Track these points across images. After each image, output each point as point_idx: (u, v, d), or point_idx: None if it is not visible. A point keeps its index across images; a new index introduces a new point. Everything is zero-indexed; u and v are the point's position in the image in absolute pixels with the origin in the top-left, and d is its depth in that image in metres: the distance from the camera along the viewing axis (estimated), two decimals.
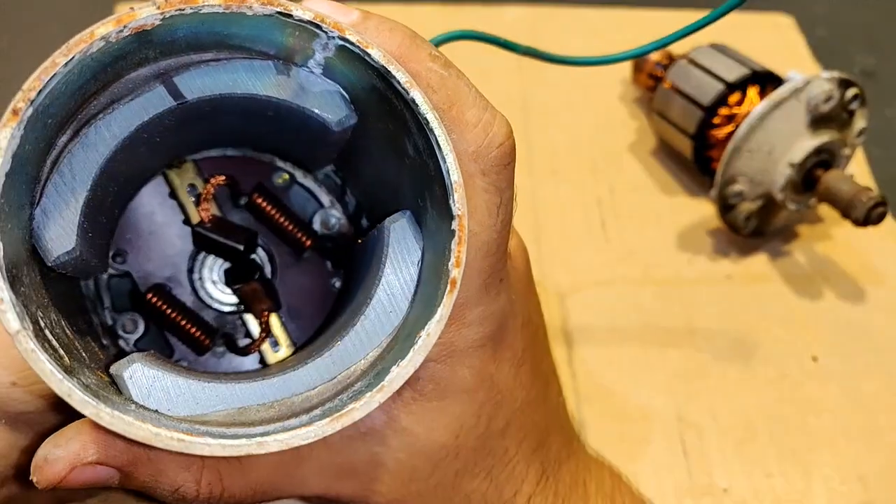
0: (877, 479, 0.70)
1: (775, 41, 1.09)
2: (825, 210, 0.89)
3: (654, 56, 0.95)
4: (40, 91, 0.32)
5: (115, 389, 0.37)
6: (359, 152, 0.43)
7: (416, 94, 0.35)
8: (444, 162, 0.36)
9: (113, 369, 0.37)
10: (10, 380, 0.43)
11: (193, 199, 0.48)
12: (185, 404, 0.37)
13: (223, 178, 0.48)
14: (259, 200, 0.49)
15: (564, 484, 0.48)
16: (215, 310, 0.49)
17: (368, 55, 0.35)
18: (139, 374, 0.37)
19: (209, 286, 0.49)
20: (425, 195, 0.39)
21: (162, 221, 0.48)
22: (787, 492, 0.70)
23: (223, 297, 0.50)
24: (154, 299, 0.47)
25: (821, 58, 1.07)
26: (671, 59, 0.94)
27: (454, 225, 0.36)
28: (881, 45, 1.14)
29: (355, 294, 0.43)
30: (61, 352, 0.34)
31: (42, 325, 0.34)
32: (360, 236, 0.49)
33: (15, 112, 0.31)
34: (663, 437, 0.72)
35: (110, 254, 0.48)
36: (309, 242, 0.49)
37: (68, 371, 0.33)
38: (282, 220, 0.49)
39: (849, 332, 0.81)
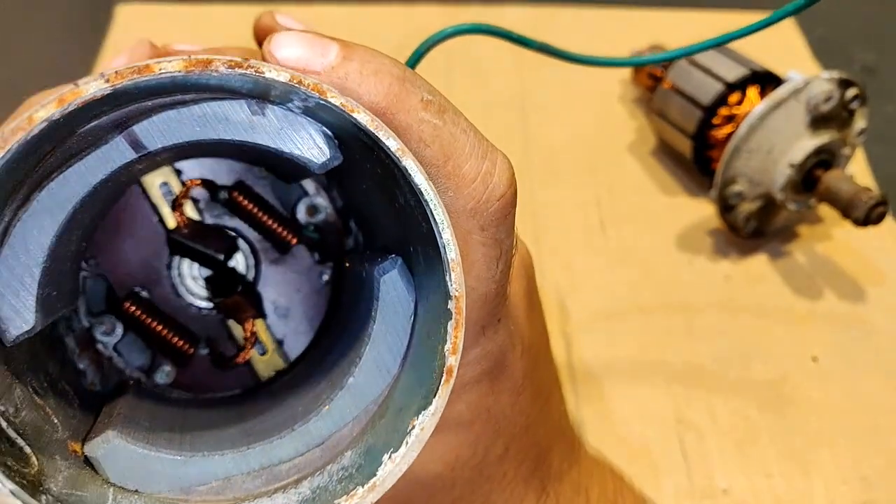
0: (877, 479, 0.70)
1: (775, 41, 1.09)
2: (825, 210, 0.89)
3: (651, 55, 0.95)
4: None
5: (91, 470, 0.35)
6: (345, 176, 0.41)
7: (409, 163, 0.32)
8: (441, 237, 0.33)
9: (87, 450, 0.35)
10: None
11: (168, 198, 0.45)
12: (167, 481, 0.35)
13: (199, 181, 0.45)
14: (240, 199, 0.46)
15: (566, 497, 0.47)
16: (197, 308, 0.47)
17: (354, 119, 0.32)
18: (115, 455, 0.35)
19: (190, 283, 0.47)
20: (416, 248, 0.36)
21: (134, 219, 0.45)
22: (788, 492, 0.70)
23: (205, 293, 0.47)
24: (132, 308, 0.45)
25: (821, 56, 1.07)
26: (672, 60, 0.94)
27: (451, 305, 0.33)
28: (882, 41, 1.14)
29: (344, 346, 0.41)
30: (27, 450, 0.32)
31: (4, 425, 0.32)
32: (348, 234, 0.47)
33: None
34: (662, 439, 0.72)
35: (80, 268, 0.45)
36: (294, 241, 0.46)
37: (35, 485, 0.31)
38: (264, 218, 0.46)
39: (849, 332, 0.81)
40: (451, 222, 0.33)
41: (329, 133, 0.35)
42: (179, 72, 0.30)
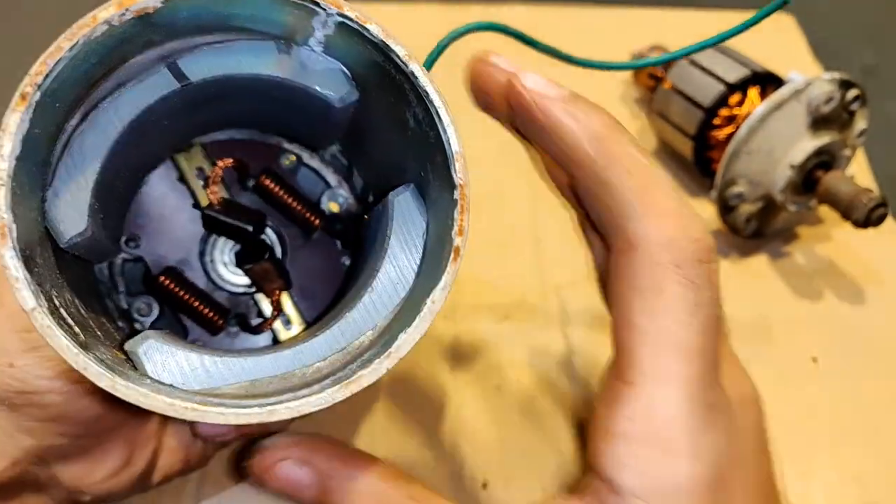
0: (877, 480, 0.70)
1: (776, 41, 1.09)
2: (825, 211, 0.89)
3: (654, 55, 0.95)
4: (47, 75, 0.32)
5: (130, 365, 0.37)
6: (363, 130, 0.44)
7: (415, 67, 0.36)
8: (445, 133, 0.36)
9: (128, 346, 0.38)
10: (8, 361, 0.43)
11: (202, 182, 0.49)
12: (199, 378, 0.38)
13: (231, 160, 0.49)
14: (267, 182, 0.49)
15: None
16: (227, 291, 0.50)
17: (367, 30, 0.36)
18: (153, 350, 0.38)
19: (220, 268, 0.50)
20: (427, 166, 0.39)
21: (172, 206, 0.49)
22: (787, 493, 0.70)
23: (235, 278, 0.50)
24: (166, 282, 0.48)
25: (821, 56, 1.07)
26: (672, 59, 0.94)
27: (456, 194, 0.36)
28: (882, 41, 1.14)
29: (363, 268, 0.44)
30: (76, 329, 0.35)
31: (57, 303, 0.34)
32: (367, 214, 0.50)
33: (23, 96, 0.32)
34: None
35: (123, 239, 0.48)
36: (318, 222, 0.50)
37: (84, 346, 0.33)
38: (290, 201, 0.49)
39: (849, 333, 0.81)
40: (454, 121, 0.36)
41: (346, 72, 0.40)
42: None
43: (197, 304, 0.48)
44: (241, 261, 0.50)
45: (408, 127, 0.40)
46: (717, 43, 0.55)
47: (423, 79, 0.36)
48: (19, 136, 0.32)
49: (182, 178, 0.49)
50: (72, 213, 0.37)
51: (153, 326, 0.49)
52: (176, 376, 0.37)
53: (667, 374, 0.36)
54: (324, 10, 0.36)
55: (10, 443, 0.45)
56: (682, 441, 0.36)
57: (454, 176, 0.36)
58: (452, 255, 0.36)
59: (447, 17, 1.11)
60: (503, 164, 0.95)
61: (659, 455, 0.36)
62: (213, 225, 0.49)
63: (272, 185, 0.49)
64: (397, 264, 0.40)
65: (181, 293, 0.48)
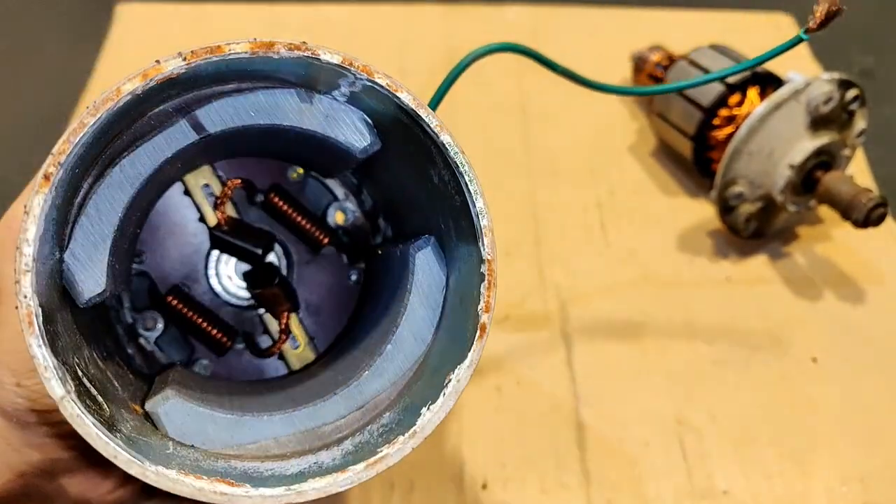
0: (877, 479, 0.70)
1: (775, 41, 1.09)
2: (825, 211, 0.89)
3: (655, 57, 0.95)
4: (69, 153, 0.32)
5: (151, 425, 0.38)
6: (379, 165, 0.44)
7: (447, 138, 0.36)
8: (475, 206, 0.36)
9: (149, 406, 0.38)
10: (15, 381, 0.43)
11: (209, 199, 0.48)
12: (221, 439, 0.38)
13: (239, 181, 0.48)
14: (276, 200, 0.49)
15: None
16: (233, 305, 0.50)
17: (399, 98, 0.35)
18: (174, 411, 0.38)
19: (226, 282, 0.50)
20: (449, 223, 0.39)
21: (177, 220, 0.49)
22: (787, 493, 0.70)
23: (241, 292, 0.50)
24: (174, 302, 0.48)
25: (820, 57, 1.07)
26: (671, 60, 0.94)
27: (483, 269, 0.36)
28: (880, 45, 1.14)
29: (379, 318, 0.43)
30: (100, 398, 0.35)
31: (80, 373, 0.34)
32: (376, 233, 0.49)
33: (47, 177, 0.32)
34: (663, 440, 0.73)
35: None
36: (326, 241, 0.49)
37: (110, 425, 0.33)
38: (298, 218, 0.49)
39: (849, 333, 0.81)
40: (482, 193, 0.36)
41: (369, 121, 0.39)
42: (246, 52, 0.33)
43: (205, 324, 0.48)
44: (249, 283, 0.50)
45: (431, 182, 0.39)
46: (746, 69, 0.54)
47: (456, 151, 0.36)
48: (42, 216, 0.32)
49: (188, 193, 0.48)
50: (91, 275, 0.37)
51: (158, 342, 0.48)
52: (197, 437, 0.37)
53: None
54: (353, 74, 0.35)
55: (17, 457, 0.45)
56: None
57: (482, 251, 0.36)
58: (479, 333, 0.35)
59: (447, 17, 1.11)
60: (503, 164, 0.95)
61: None
62: (220, 245, 0.49)
63: (280, 204, 0.49)
64: (416, 321, 0.40)
65: (190, 314, 0.48)
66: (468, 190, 0.36)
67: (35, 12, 1.17)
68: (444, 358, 0.37)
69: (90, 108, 0.32)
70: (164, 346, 0.49)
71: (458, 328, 0.37)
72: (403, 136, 0.38)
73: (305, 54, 0.34)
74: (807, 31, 0.51)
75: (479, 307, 0.36)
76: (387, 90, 0.35)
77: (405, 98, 0.35)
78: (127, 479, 0.50)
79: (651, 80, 0.96)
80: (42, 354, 0.32)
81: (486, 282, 0.36)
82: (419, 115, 0.35)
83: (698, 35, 1.02)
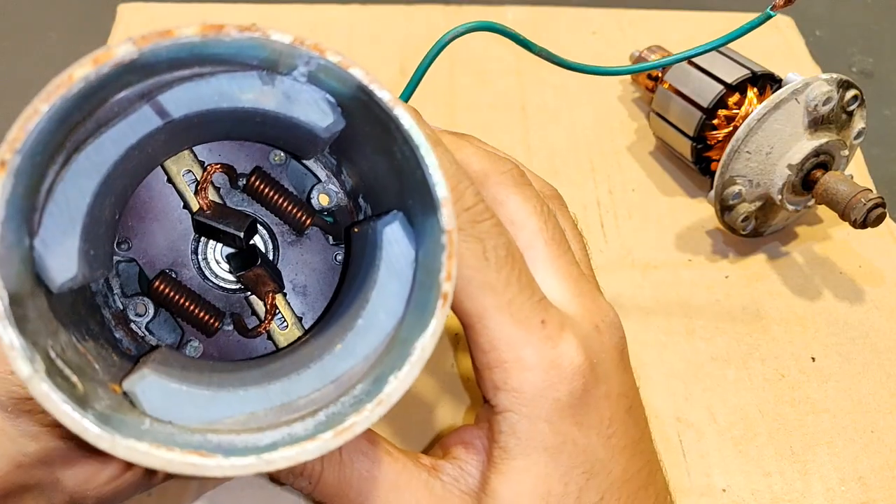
0: (875, 478, 0.71)
1: (774, 42, 1.09)
2: (824, 210, 0.89)
3: (654, 57, 0.96)
4: (25, 140, 0.32)
5: (129, 404, 0.38)
6: (350, 145, 0.44)
7: (400, 112, 0.36)
8: (431, 178, 0.36)
9: (126, 385, 0.38)
10: (8, 369, 0.43)
11: (191, 185, 0.49)
12: (197, 413, 0.38)
13: (219, 166, 0.49)
14: (257, 184, 0.49)
15: None
16: (221, 287, 0.50)
17: (350, 75, 0.36)
18: (151, 389, 0.38)
19: (213, 266, 0.50)
20: (415, 197, 0.39)
21: (162, 207, 0.49)
22: (786, 491, 0.70)
23: (228, 275, 0.50)
24: (161, 287, 0.48)
25: (819, 58, 1.07)
26: None
27: (443, 239, 0.36)
28: (879, 46, 1.14)
29: (353, 294, 0.44)
30: (73, 378, 0.35)
31: (53, 354, 0.34)
32: (358, 212, 0.50)
33: (2, 164, 0.32)
34: (662, 438, 0.73)
35: (115, 242, 0.48)
36: (308, 221, 0.50)
37: (82, 401, 0.33)
38: (281, 201, 0.49)
39: (847, 332, 0.81)
40: (440, 164, 0.36)
41: (332, 100, 0.40)
42: (196, 35, 0.33)
43: (192, 307, 0.49)
44: (233, 266, 0.51)
45: (394, 157, 0.40)
46: (717, 47, 0.56)
47: (409, 124, 0.36)
48: (2, 201, 0.32)
49: (171, 181, 0.49)
50: (61, 260, 0.37)
51: (149, 326, 0.49)
52: (174, 412, 0.37)
53: (483, 307, 0.42)
54: (305, 53, 0.36)
55: (13, 447, 0.46)
56: (527, 356, 0.42)
57: (441, 221, 0.36)
58: (441, 302, 0.36)
59: (446, 18, 1.12)
60: None
61: (513, 372, 0.42)
62: (203, 230, 0.49)
63: (262, 187, 0.49)
64: (386, 295, 0.40)
65: (177, 298, 0.48)
66: (424, 163, 0.36)
67: (36, 11, 1.17)
68: (412, 329, 0.37)
69: (43, 94, 0.32)
70: (155, 330, 0.49)
71: (425, 300, 0.37)
72: (364, 115, 0.39)
73: (255, 35, 0.34)
74: (773, 7, 0.53)
75: (441, 276, 0.36)
76: (339, 68, 0.35)
77: (357, 74, 0.35)
78: (126, 467, 0.50)
79: (650, 81, 0.97)
80: (8, 336, 0.31)
81: (446, 251, 0.36)
82: (371, 91, 0.36)
83: (698, 35, 1.02)
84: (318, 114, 0.40)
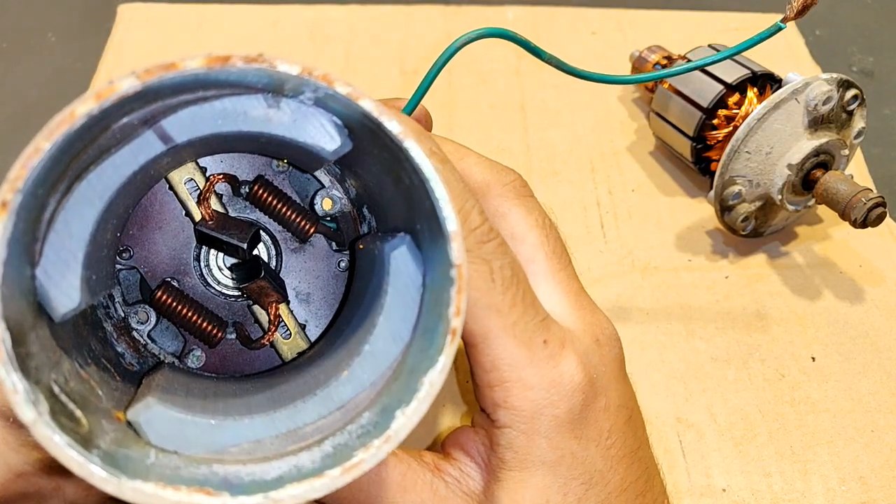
0: (875, 478, 0.71)
1: (774, 41, 1.09)
2: (824, 210, 0.89)
3: (654, 57, 0.96)
4: (27, 179, 0.31)
5: (133, 433, 0.37)
6: (356, 161, 0.43)
7: (411, 144, 0.35)
8: (441, 212, 0.35)
9: (130, 415, 0.38)
10: None
11: (193, 194, 0.48)
12: (202, 443, 0.37)
13: (221, 176, 0.48)
14: (260, 192, 0.49)
15: None
16: (224, 295, 0.50)
17: (360, 106, 0.35)
18: (156, 419, 0.37)
19: (216, 273, 0.50)
20: (422, 224, 0.39)
21: (163, 215, 0.49)
22: (786, 491, 0.70)
23: (231, 283, 0.50)
24: (163, 297, 0.48)
25: (819, 57, 1.07)
26: (670, 60, 0.94)
27: (453, 273, 0.35)
28: (879, 45, 1.14)
29: (360, 317, 0.43)
30: (77, 413, 0.34)
31: (56, 389, 0.34)
32: (362, 221, 0.49)
33: (4, 205, 0.31)
34: (662, 438, 0.73)
35: (117, 252, 0.48)
36: (312, 230, 0.49)
37: (86, 440, 0.33)
38: (284, 209, 0.49)
39: (847, 332, 0.81)
40: (450, 197, 0.35)
41: (339, 122, 0.39)
42: (202, 67, 0.33)
43: (195, 318, 0.48)
44: (236, 277, 0.50)
45: (402, 182, 0.39)
46: (728, 57, 0.56)
47: (419, 157, 0.35)
48: (4, 242, 0.31)
49: (172, 189, 0.48)
50: (64, 290, 0.36)
51: (151, 335, 0.49)
52: (179, 442, 0.37)
53: (488, 328, 0.42)
54: (314, 84, 0.35)
55: (15, 456, 0.46)
56: (529, 377, 0.43)
57: (451, 254, 0.35)
58: (450, 338, 0.35)
59: (446, 18, 1.12)
60: (503, 163, 0.95)
61: (514, 391, 0.43)
62: (207, 240, 0.48)
63: (265, 195, 0.49)
64: (393, 320, 0.39)
65: (179, 308, 0.48)
66: (434, 196, 0.35)
67: (37, 12, 1.17)
68: (420, 360, 0.37)
69: (45, 132, 0.32)
70: (157, 338, 0.49)
71: (432, 330, 0.37)
72: (373, 140, 0.38)
73: (263, 66, 0.33)
74: (784, 20, 0.53)
75: (450, 311, 0.35)
76: (348, 99, 0.35)
77: (367, 106, 0.35)
78: None
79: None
80: (12, 381, 0.31)
81: (455, 286, 0.35)
82: (381, 123, 0.35)
83: (697, 35, 1.02)
84: (324, 137, 0.39)
